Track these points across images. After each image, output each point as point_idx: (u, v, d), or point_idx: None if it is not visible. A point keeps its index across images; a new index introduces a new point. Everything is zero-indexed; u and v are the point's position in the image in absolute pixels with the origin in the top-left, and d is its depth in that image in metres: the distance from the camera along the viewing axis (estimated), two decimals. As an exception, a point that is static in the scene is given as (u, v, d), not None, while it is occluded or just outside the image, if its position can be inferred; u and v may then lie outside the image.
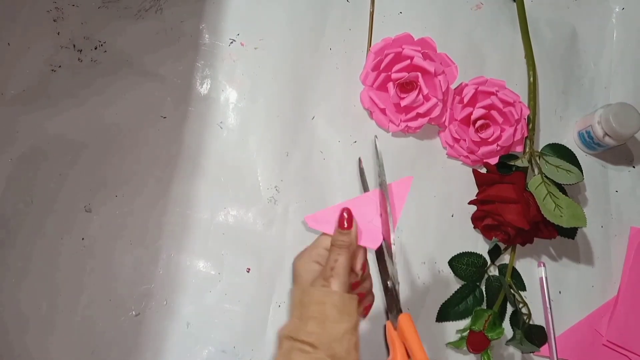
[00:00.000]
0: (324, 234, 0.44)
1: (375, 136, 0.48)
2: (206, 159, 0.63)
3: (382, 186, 0.45)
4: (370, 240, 0.44)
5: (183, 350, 0.58)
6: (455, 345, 0.60)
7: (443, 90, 0.63)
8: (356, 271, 0.43)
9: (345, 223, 0.43)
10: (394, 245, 0.43)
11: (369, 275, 0.46)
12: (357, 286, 0.44)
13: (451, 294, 0.63)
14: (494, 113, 0.63)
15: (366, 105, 0.66)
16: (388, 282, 0.44)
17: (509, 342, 0.62)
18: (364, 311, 0.45)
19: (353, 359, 0.39)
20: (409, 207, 0.64)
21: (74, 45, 0.64)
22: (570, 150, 0.64)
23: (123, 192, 0.61)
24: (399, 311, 0.42)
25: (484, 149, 0.64)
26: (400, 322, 0.41)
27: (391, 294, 0.43)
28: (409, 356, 0.40)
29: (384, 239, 0.44)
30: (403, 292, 0.62)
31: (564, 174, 0.61)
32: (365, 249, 0.45)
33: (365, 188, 0.50)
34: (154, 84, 0.64)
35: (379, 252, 0.45)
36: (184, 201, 0.61)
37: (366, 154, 0.65)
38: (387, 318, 0.43)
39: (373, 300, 0.46)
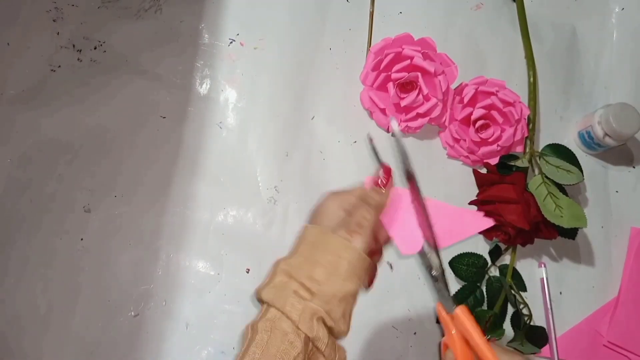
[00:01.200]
0: (360, 186, 0.43)
1: (393, 118, 0.46)
2: (206, 159, 0.63)
3: (411, 177, 0.43)
4: (411, 245, 0.43)
5: (182, 350, 0.58)
6: None
7: (443, 91, 0.63)
8: (380, 240, 0.42)
9: (381, 180, 0.42)
10: (434, 235, 0.43)
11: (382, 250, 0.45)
12: (372, 256, 0.43)
13: (452, 295, 0.62)
14: (494, 113, 0.63)
15: (366, 105, 0.66)
16: (433, 272, 0.43)
17: (509, 343, 0.62)
18: (369, 281, 0.44)
19: (345, 325, 0.38)
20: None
21: (74, 45, 0.64)
22: (571, 150, 0.64)
23: (122, 192, 0.61)
24: (452, 300, 0.42)
25: (484, 149, 0.63)
26: (458, 314, 0.41)
27: (439, 282, 0.43)
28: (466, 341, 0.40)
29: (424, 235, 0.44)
30: (404, 292, 0.62)
31: (564, 174, 0.61)
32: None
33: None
34: (153, 83, 0.64)
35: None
36: (184, 201, 0.61)
37: (366, 154, 0.65)
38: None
39: (375, 275, 0.45)
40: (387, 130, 0.66)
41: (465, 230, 0.45)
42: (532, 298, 0.64)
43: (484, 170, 0.65)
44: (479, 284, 0.63)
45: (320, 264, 0.37)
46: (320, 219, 0.41)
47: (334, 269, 0.37)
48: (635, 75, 0.72)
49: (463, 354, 0.40)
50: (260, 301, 0.39)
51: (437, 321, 0.62)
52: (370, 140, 0.51)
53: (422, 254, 0.44)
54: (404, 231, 0.44)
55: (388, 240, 0.44)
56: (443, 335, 0.42)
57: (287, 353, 0.34)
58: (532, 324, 0.62)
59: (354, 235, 0.39)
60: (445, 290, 0.43)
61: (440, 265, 0.43)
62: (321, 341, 0.36)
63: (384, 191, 0.42)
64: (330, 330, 0.36)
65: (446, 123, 0.65)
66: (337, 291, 0.37)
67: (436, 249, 0.43)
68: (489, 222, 0.44)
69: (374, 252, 0.43)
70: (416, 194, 0.43)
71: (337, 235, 0.38)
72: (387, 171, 0.43)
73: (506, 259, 0.65)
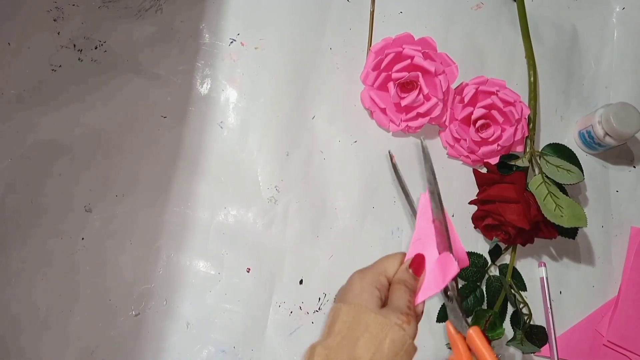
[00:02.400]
0: (383, 260, 0.42)
1: (423, 138, 0.46)
2: (206, 158, 0.63)
3: (433, 195, 0.44)
4: (449, 270, 0.42)
5: (183, 350, 0.58)
6: None
7: (443, 90, 0.63)
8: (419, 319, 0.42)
9: (418, 268, 0.42)
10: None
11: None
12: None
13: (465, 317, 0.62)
14: (494, 113, 0.63)
15: (366, 105, 0.66)
16: (449, 293, 0.42)
17: (509, 342, 0.62)
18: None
19: None
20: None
21: (74, 45, 0.64)
22: (571, 150, 0.64)
23: (123, 192, 0.61)
24: (466, 321, 0.41)
25: (485, 149, 0.63)
26: (471, 335, 0.40)
27: (453, 304, 0.42)
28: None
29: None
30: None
31: (565, 173, 0.61)
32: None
33: (402, 186, 0.50)
34: (154, 83, 0.64)
35: None
36: (184, 201, 0.61)
37: (367, 154, 0.65)
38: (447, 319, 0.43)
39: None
40: (388, 130, 0.66)
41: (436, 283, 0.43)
42: (532, 297, 0.64)
43: (484, 170, 0.65)
44: (478, 284, 0.63)
45: (361, 342, 0.35)
46: (352, 300, 0.39)
47: (377, 347, 0.35)
48: (635, 74, 0.72)
49: None
50: None
51: (438, 319, 0.62)
52: (392, 157, 0.52)
53: None
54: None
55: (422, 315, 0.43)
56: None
57: None
58: (532, 323, 0.62)
59: (410, 319, 0.38)
60: (460, 310, 0.42)
61: (457, 286, 0.42)
62: None
63: (414, 276, 0.42)
64: None
65: (446, 123, 0.65)
66: None
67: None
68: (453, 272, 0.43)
69: None
70: (439, 213, 0.43)
71: (377, 314, 0.37)
72: (421, 260, 0.42)
73: (506, 259, 0.65)
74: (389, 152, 0.54)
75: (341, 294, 0.41)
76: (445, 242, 0.42)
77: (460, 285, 0.63)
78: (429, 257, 0.43)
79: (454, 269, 0.40)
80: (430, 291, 0.42)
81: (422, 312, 0.42)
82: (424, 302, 0.42)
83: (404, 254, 0.43)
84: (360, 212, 0.64)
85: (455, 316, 0.42)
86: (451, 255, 0.41)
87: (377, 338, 0.35)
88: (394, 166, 0.50)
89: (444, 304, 0.61)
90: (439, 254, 0.42)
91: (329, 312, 0.40)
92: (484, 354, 0.39)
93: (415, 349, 0.38)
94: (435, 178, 0.44)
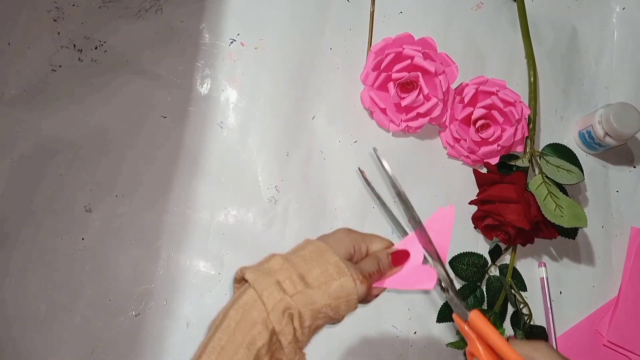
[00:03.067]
0: (373, 235, 0.43)
1: (374, 148, 0.47)
2: (206, 158, 0.63)
3: (401, 197, 0.44)
4: (425, 281, 0.43)
5: (183, 350, 0.58)
6: (455, 346, 0.60)
7: (443, 90, 0.63)
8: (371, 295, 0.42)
9: (399, 260, 0.43)
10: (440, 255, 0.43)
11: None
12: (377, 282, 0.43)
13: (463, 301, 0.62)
14: (494, 113, 0.63)
15: (366, 105, 0.66)
16: (442, 283, 0.44)
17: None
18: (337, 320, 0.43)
19: (306, 336, 0.37)
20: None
21: (74, 45, 0.64)
22: (571, 150, 0.64)
23: (123, 192, 0.61)
24: (465, 306, 0.42)
25: (485, 149, 0.63)
26: (473, 318, 0.41)
27: (449, 293, 0.44)
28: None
29: (425, 249, 0.44)
30: (404, 292, 0.62)
31: (565, 174, 0.61)
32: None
33: (378, 198, 0.50)
34: (154, 83, 0.64)
35: (425, 262, 0.44)
36: (184, 201, 0.61)
37: (367, 154, 0.65)
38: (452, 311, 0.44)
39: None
40: (388, 130, 0.66)
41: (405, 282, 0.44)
42: (532, 298, 0.64)
43: (484, 170, 0.65)
44: (479, 284, 0.63)
45: (317, 271, 0.37)
46: (330, 242, 0.40)
47: (326, 282, 0.37)
48: (635, 74, 0.72)
49: (489, 358, 0.41)
50: (238, 280, 0.39)
51: (438, 319, 0.62)
52: (362, 173, 0.53)
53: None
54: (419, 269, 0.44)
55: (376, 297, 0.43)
56: (464, 343, 0.43)
57: (252, 343, 0.34)
58: (532, 323, 0.62)
59: (363, 282, 0.39)
60: (457, 298, 0.43)
61: (447, 275, 0.43)
62: (285, 337, 0.35)
63: (391, 265, 0.43)
64: (293, 332, 0.36)
65: (446, 123, 0.65)
66: (318, 301, 0.36)
67: (440, 261, 0.43)
68: (429, 283, 0.43)
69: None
70: (410, 215, 0.44)
71: (341, 260, 0.38)
72: (405, 255, 0.43)
73: (506, 259, 0.65)
74: (359, 169, 0.55)
75: (322, 236, 0.42)
76: (423, 236, 0.43)
77: (460, 286, 0.63)
78: (413, 257, 0.44)
79: (428, 285, 0.42)
80: (395, 285, 0.43)
81: (376, 297, 0.42)
82: (382, 289, 0.42)
83: (392, 244, 0.44)
84: (360, 212, 0.64)
85: (455, 305, 0.43)
86: (435, 272, 0.42)
87: (330, 275, 0.37)
88: (367, 182, 0.51)
89: (443, 305, 0.62)
90: (425, 259, 0.43)
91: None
92: (489, 334, 0.40)
93: (356, 307, 0.39)
94: (395, 182, 0.45)
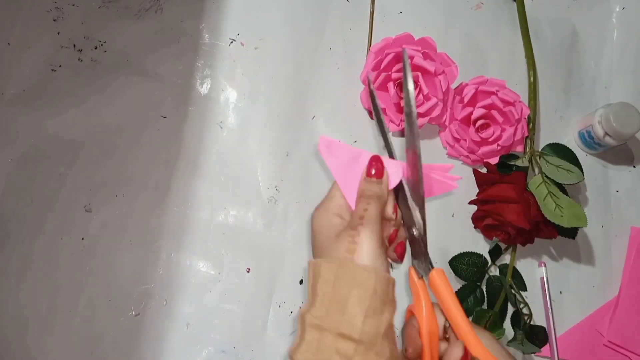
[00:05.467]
0: (335, 184, 0.40)
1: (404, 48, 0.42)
2: (206, 158, 0.63)
3: (410, 117, 0.38)
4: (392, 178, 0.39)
5: (183, 350, 0.58)
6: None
7: (443, 90, 0.63)
8: (388, 216, 0.39)
9: (374, 171, 0.38)
10: (422, 190, 0.39)
11: (402, 222, 0.41)
12: (396, 235, 0.39)
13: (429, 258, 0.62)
14: (494, 113, 0.63)
15: (366, 105, 0.66)
16: (413, 230, 0.39)
17: (510, 342, 0.62)
18: (399, 257, 0.40)
19: (394, 358, 0.34)
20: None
21: (74, 45, 0.64)
22: (571, 150, 0.64)
23: (123, 192, 0.61)
24: (429, 264, 0.38)
25: (484, 149, 0.63)
26: (433, 278, 0.37)
27: (417, 243, 0.39)
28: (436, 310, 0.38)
29: (405, 182, 0.40)
30: (404, 291, 0.62)
31: (565, 173, 0.61)
32: (392, 193, 0.40)
33: (377, 114, 0.44)
34: (154, 83, 0.64)
35: (401, 198, 0.40)
36: (184, 201, 0.61)
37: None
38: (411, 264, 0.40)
39: (405, 235, 0.41)
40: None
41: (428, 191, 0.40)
42: (532, 297, 0.64)
43: (484, 170, 0.65)
44: (479, 284, 0.63)
45: (352, 301, 0.33)
46: (321, 238, 0.38)
47: (368, 304, 0.33)
48: (635, 74, 0.72)
49: (428, 322, 0.37)
50: None
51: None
52: (369, 83, 0.46)
53: (405, 208, 0.40)
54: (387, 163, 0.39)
55: (397, 211, 0.40)
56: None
57: None
58: (532, 323, 0.62)
59: (358, 229, 0.36)
60: (424, 251, 0.39)
61: (424, 224, 0.39)
62: None
63: (378, 181, 0.38)
64: None
65: (446, 123, 0.65)
66: (378, 328, 0.34)
67: (422, 206, 0.39)
68: (451, 186, 0.40)
69: (395, 233, 0.40)
70: (411, 142, 0.39)
71: (357, 265, 0.34)
72: (379, 160, 0.39)
73: (506, 259, 0.65)
74: (368, 76, 0.49)
75: (312, 243, 0.39)
76: (415, 174, 0.39)
77: (460, 286, 0.63)
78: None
79: (395, 179, 0.38)
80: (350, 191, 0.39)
81: (397, 209, 0.39)
82: (393, 195, 0.39)
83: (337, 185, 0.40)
84: (360, 212, 0.64)
85: (417, 259, 0.39)
86: (399, 163, 0.39)
87: (362, 292, 0.34)
88: (372, 94, 0.45)
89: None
90: (402, 188, 0.39)
91: (308, 269, 0.37)
92: (446, 299, 0.37)
93: (394, 281, 0.36)
94: (412, 100, 0.39)
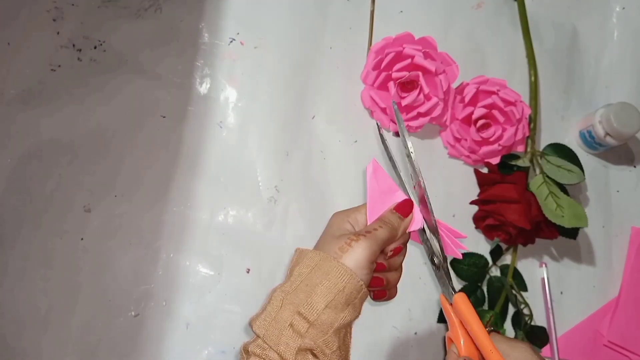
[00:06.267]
0: (366, 205, 0.42)
1: (394, 102, 0.46)
2: (206, 158, 0.63)
3: (410, 158, 0.42)
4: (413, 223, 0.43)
5: (183, 350, 0.58)
6: None
7: (444, 90, 0.63)
8: (386, 251, 0.41)
9: (405, 209, 0.42)
10: (434, 220, 0.42)
11: (401, 268, 0.44)
12: (382, 269, 0.42)
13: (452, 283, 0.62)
14: (495, 112, 0.63)
15: (367, 104, 0.65)
16: (434, 259, 0.42)
17: (510, 342, 0.62)
18: (376, 296, 0.43)
19: (341, 358, 0.36)
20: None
21: (74, 45, 0.64)
22: (572, 150, 0.64)
23: (122, 192, 0.61)
24: (452, 288, 0.41)
25: (485, 149, 0.63)
26: (456, 302, 0.39)
27: (439, 270, 0.42)
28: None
29: (425, 219, 0.43)
30: (404, 292, 0.62)
31: (566, 173, 0.61)
32: (407, 237, 0.43)
33: (388, 155, 0.46)
34: (153, 83, 0.63)
35: (423, 233, 0.43)
36: (184, 201, 0.61)
37: (367, 154, 0.65)
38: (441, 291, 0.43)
39: (394, 294, 0.44)
40: (388, 130, 0.66)
41: None
42: (533, 298, 0.64)
43: (485, 170, 0.65)
44: (480, 284, 0.63)
45: (319, 290, 0.36)
46: (325, 233, 0.40)
47: (333, 296, 0.36)
48: (636, 74, 0.72)
49: (467, 348, 0.39)
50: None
51: (439, 319, 0.62)
52: (379, 128, 0.48)
53: (424, 239, 0.43)
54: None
55: (396, 255, 0.42)
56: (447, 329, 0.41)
57: None
58: (532, 323, 0.62)
59: (359, 237, 0.38)
60: (446, 277, 0.41)
61: (442, 252, 0.42)
62: None
63: (401, 217, 0.41)
64: None
65: (447, 122, 0.65)
66: (333, 322, 0.36)
67: (437, 235, 0.42)
68: (455, 253, 0.43)
69: (382, 267, 0.42)
70: (415, 178, 0.43)
71: (338, 262, 0.37)
72: (409, 203, 0.42)
73: (507, 259, 0.65)
74: (376, 123, 0.51)
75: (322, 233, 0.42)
76: (425, 205, 0.42)
77: (461, 286, 0.63)
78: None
79: (417, 224, 0.42)
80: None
81: (397, 253, 0.42)
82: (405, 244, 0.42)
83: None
84: (360, 212, 0.64)
85: (443, 285, 0.42)
86: (419, 211, 0.42)
87: (333, 285, 0.36)
88: (382, 138, 0.46)
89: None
90: (423, 230, 0.43)
91: (293, 253, 0.41)
92: (470, 320, 0.38)
93: (365, 292, 0.39)
94: (406, 142, 0.43)
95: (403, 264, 0.44)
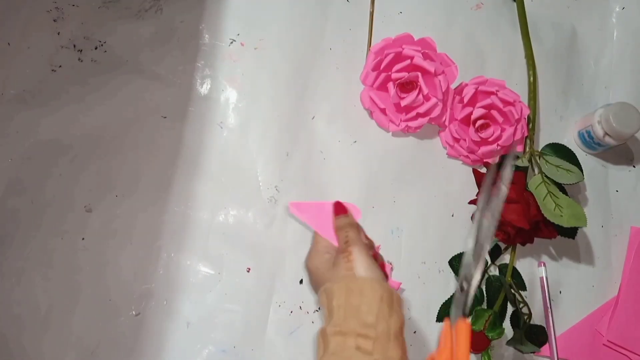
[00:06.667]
0: (316, 232, 0.47)
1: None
2: (206, 159, 0.63)
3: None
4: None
5: (183, 350, 0.58)
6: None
7: (443, 90, 0.63)
8: (363, 241, 0.45)
9: (339, 209, 0.47)
10: (484, 254, 0.41)
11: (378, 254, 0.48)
12: (376, 257, 0.45)
13: (451, 294, 0.63)
14: (494, 113, 0.63)
15: (366, 105, 0.66)
16: (463, 284, 0.41)
17: (509, 342, 0.62)
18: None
19: (405, 354, 0.38)
20: (409, 207, 0.65)
21: (74, 45, 0.64)
22: (571, 150, 0.64)
23: (123, 192, 0.61)
24: (463, 314, 0.40)
25: (484, 149, 0.64)
26: (458, 326, 0.38)
27: (462, 297, 0.41)
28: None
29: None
30: (404, 291, 0.62)
31: (564, 173, 0.61)
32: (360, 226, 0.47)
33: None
34: (154, 83, 0.64)
35: (474, 254, 0.42)
36: (184, 201, 0.61)
37: (367, 154, 0.65)
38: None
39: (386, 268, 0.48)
40: (388, 130, 0.66)
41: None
42: (532, 297, 0.64)
43: (484, 170, 0.65)
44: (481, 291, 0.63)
45: (363, 308, 0.38)
46: (318, 277, 0.43)
47: (377, 307, 0.38)
48: (635, 74, 0.73)
49: None
50: None
51: (438, 319, 0.62)
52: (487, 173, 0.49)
53: (466, 264, 0.41)
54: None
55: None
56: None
57: None
58: (531, 323, 0.62)
59: (349, 250, 0.42)
60: (462, 307, 0.40)
61: (480, 283, 0.43)
62: None
63: (345, 215, 0.47)
64: None
65: (446, 123, 0.65)
66: (389, 329, 0.38)
67: (482, 270, 0.40)
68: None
69: (376, 254, 0.46)
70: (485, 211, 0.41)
71: (362, 278, 0.40)
72: (337, 203, 0.48)
73: (506, 258, 0.65)
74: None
75: (311, 281, 0.46)
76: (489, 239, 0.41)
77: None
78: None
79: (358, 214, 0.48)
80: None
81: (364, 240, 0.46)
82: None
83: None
84: (360, 212, 0.64)
85: (457, 307, 0.40)
86: (354, 205, 0.49)
87: (374, 298, 0.39)
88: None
89: (442, 304, 0.62)
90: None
91: (319, 297, 0.42)
92: (461, 347, 0.37)
93: (398, 295, 0.41)
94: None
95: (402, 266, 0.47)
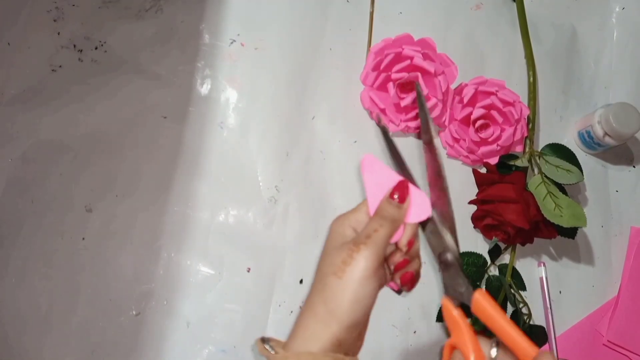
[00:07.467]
0: (366, 199, 0.39)
1: (417, 83, 0.42)
2: (206, 159, 0.63)
3: (430, 144, 0.38)
4: (418, 212, 0.38)
5: (183, 350, 0.58)
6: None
7: (443, 91, 0.63)
8: (401, 247, 0.38)
9: (397, 195, 0.37)
10: (452, 214, 0.37)
11: (419, 255, 0.40)
12: (404, 265, 0.38)
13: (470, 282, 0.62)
14: (493, 113, 0.63)
15: (366, 105, 0.66)
16: (447, 255, 0.37)
17: (509, 342, 0.62)
18: (404, 284, 0.39)
19: None
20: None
21: (75, 45, 0.64)
22: (570, 150, 0.64)
23: (123, 192, 0.61)
24: (470, 286, 0.36)
25: (484, 149, 0.64)
26: (477, 300, 0.34)
27: (453, 267, 0.37)
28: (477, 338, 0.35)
29: (435, 209, 0.38)
30: (405, 293, 0.62)
31: (564, 173, 0.61)
32: (416, 226, 0.38)
33: (392, 150, 0.42)
34: (154, 83, 0.64)
35: (431, 225, 0.38)
36: (184, 201, 0.61)
37: (367, 153, 0.65)
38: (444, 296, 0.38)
39: (417, 280, 0.40)
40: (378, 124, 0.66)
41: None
42: (532, 297, 0.64)
43: (483, 170, 0.65)
44: (478, 283, 0.63)
45: None
46: (327, 244, 0.37)
47: None
48: (635, 74, 0.73)
49: (476, 355, 0.34)
50: None
51: (438, 319, 0.62)
52: (379, 120, 0.46)
53: (433, 233, 0.38)
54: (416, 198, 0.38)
55: (412, 245, 0.38)
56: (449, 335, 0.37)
57: None
58: (531, 323, 0.62)
59: (360, 247, 0.35)
60: (462, 277, 0.36)
61: (457, 248, 0.37)
62: None
63: (398, 205, 0.37)
64: None
65: (446, 123, 0.65)
66: None
67: (453, 230, 0.37)
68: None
69: (405, 263, 0.38)
70: (434, 167, 0.38)
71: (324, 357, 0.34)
72: (406, 185, 0.38)
73: (506, 258, 0.65)
74: (378, 117, 0.49)
75: (325, 241, 0.38)
76: (442, 196, 0.38)
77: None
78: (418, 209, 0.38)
79: (425, 213, 0.37)
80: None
81: (412, 243, 0.38)
82: (415, 228, 0.38)
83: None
84: (360, 212, 0.64)
85: (453, 287, 0.37)
86: (427, 197, 0.37)
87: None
88: (384, 130, 0.42)
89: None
90: (433, 220, 0.38)
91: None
92: (496, 319, 0.34)
93: None
94: (430, 124, 0.39)
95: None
